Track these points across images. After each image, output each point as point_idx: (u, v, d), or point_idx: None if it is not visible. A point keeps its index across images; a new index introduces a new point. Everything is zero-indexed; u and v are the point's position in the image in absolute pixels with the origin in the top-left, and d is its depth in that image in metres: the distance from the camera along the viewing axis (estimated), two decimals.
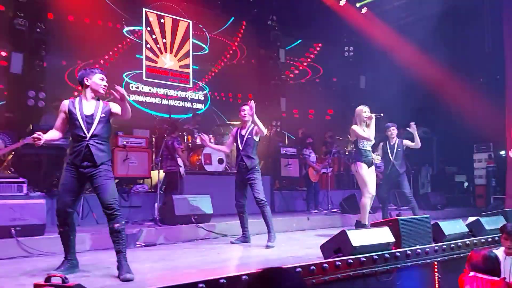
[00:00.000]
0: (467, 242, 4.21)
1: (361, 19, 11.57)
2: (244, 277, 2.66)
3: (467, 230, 4.55)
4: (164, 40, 10.72)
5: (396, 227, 3.77)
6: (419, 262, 3.69)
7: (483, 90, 10.91)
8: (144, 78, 10.29)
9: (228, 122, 9.52)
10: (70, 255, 3.54)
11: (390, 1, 11.23)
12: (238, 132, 5.28)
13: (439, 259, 3.84)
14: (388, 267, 3.44)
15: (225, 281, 2.56)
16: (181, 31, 11.02)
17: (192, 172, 7.80)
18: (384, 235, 3.66)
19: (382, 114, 5.77)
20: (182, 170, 7.05)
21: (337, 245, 3.47)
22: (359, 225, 5.66)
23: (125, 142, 6.82)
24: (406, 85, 10.95)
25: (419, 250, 3.71)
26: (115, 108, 3.58)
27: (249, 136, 5.15)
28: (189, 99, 10.98)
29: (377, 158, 6.39)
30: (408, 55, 10.71)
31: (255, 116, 5.01)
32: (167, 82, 10.64)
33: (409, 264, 3.60)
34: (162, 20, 10.73)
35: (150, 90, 10.32)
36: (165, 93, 10.31)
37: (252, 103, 5.00)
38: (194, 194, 6.28)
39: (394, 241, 3.66)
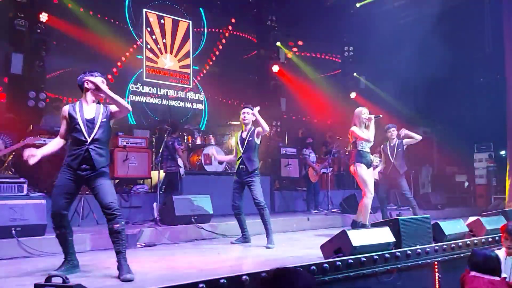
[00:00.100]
0: (468, 242, 4.21)
1: (361, 19, 11.58)
2: (244, 277, 2.66)
3: (467, 230, 4.55)
4: (164, 41, 10.73)
5: (396, 227, 3.77)
6: (420, 262, 3.69)
7: (484, 89, 10.93)
8: (144, 79, 10.29)
9: (228, 123, 9.52)
10: (70, 256, 3.53)
11: (390, 1, 11.24)
12: (239, 135, 5.29)
13: (439, 259, 3.84)
14: (388, 267, 3.44)
15: (225, 281, 2.56)
16: (181, 32, 11.03)
17: (192, 172, 7.80)
18: (384, 235, 3.66)
19: (381, 115, 5.79)
20: (182, 170, 7.05)
21: (337, 245, 3.47)
22: (356, 225, 5.66)
23: (125, 143, 6.82)
24: (407, 85, 10.96)
25: (419, 250, 3.71)
26: (113, 107, 3.57)
27: (250, 139, 5.15)
28: (189, 99, 10.99)
29: (375, 159, 6.41)
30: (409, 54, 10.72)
31: (257, 114, 5.02)
32: (167, 83, 10.66)
33: (409, 264, 3.60)
34: (162, 21, 10.74)
35: (150, 90, 10.32)
36: (165, 93, 10.32)
37: (256, 109, 5.05)
38: (194, 194, 6.29)
39: (395, 241, 3.66)
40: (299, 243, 5.35)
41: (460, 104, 10.71)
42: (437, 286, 3.77)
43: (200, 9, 11.32)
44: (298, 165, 9.24)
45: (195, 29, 11.23)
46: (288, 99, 11.98)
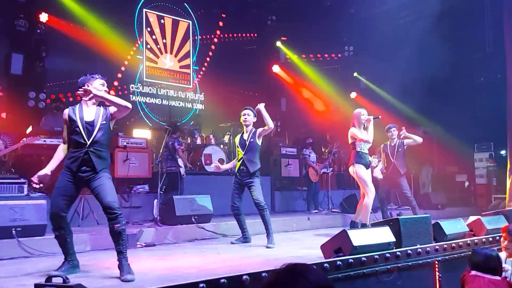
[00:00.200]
0: (468, 241, 4.20)
1: (361, 19, 11.59)
2: (245, 277, 2.65)
3: (468, 229, 4.54)
4: (164, 41, 10.73)
5: (396, 226, 3.76)
6: (420, 262, 3.68)
7: (484, 89, 10.92)
8: (145, 79, 10.30)
9: (229, 124, 9.52)
10: (70, 256, 3.53)
11: (390, 0, 11.24)
12: (240, 137, 5.28)
13: (439, 258, 3.83)
14: (388, 267, 3.43)
15: (225, 281, 2.56)
16: (181, 32, 11.04)
17: (193, 172, 7.80)
18: (384, 234, 3.65)
19: (380, 116, 5.83)
20: (182, 170, 7.05)
21: (337, 245, 3.46)
22: (354, 225, 5.67)
23: (125, 143, 6.83)
24: (407, 84, 10.96)
25: (419, 250, 3.70)
26: (113, 109, 3.56)
27: (251, 140, 5.14)
28: (190, 99, 10.99)
29: (374, 160, 6.43)
30: (409, 54, 10.72)
31: (263, 110, 5.01)
32: (167, 83, 10.66)
33: (409, 263, 3.59)
34: (162, 21, 10.74)
35: (150, 90, 10.33)
36: (165, 94, 10.32)
37: (262, 105, 5.05)
38: (194, 194, 6.29)
39: (395, 241, 3.65)
40: (299, 243, 5.35)
41: (460, 104, 10.71)
42: (437, 285, 3.77)
43: (186, 5, 11.22)
44: (299, 165, 9.24)
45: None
46: (288, 99, 11.98)
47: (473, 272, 2.73)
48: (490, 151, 10.89)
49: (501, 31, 9.30)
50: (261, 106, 5.09)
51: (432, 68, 10.35)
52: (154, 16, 10.61)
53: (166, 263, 4.09)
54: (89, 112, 3.52)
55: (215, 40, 11.66)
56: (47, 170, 3.52)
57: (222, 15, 11.72)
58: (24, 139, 5.82)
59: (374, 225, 4.18)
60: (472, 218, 4.92)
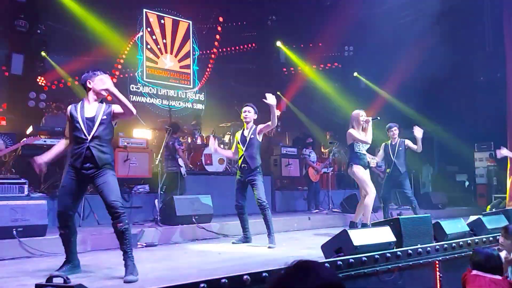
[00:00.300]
0: (469, 241, 4.21)
1: (361, 19, 11.57)
2: (245, 277, 2.66)
3: (468, 229, 4.55)
4: (164, 41, 10.73)
5: (397, 226, 3.76)
6: (421, 262, 3.69)
7: (484, 88, 10.91)
8: (145, 79, 10.30)
9: (229, 124, 9.53)
10: (72, 256, 3.53)
11: (390, 0, 11.24)
12: (241, 134, 5.28)
13: (440, 258, 3.84)
14: (389, 267, 3.44)
15: (226, 281, 2.56)
16: (182, 32, 11.04)
17: (193, 172, 7.80)
18: (385, 234, 3.65)
19: (379, 118, 5.85)
20: (183, 170, 7.05)
21: (338, 245, 3.46)
22: (354, 226, 5.67)
23: (126, 143, 6.83)
24: (407, 84, 10.95)
25: (420, 250, 3.71)
26: (117, 108, 3.53)
27: (252, 136, 5.14)
28: (190, 99, 10.99)
29: (372, 161, 6.44)
30: (409, 53, 10.72)
31: (274, 105, 4.94)
32: (167, 83, 10.66)
33: (410, 263, 3.60)
34: (162, 21, 10.75)
35: (150, 90, 10.33)
36: (165, 94, 10.32)
37: (271, 98, 4.92)
38: (194, 194, 6.28)
39: (395, 241, 3.66)
40: (300, 243, 5.35)
41: (460, 103, 10.70)
42: (438, 285, 3.77)
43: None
44: (299, 164, 9.24)
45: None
46: (288, 99, 11.97)
47: (474, 272, 2.74)
48: (490, 151, 10.87)
49: (501, 30, 9.31)
50: (272, 100, 4.92)
51: (432, 67, 10.33)
52: (154, 16, 10.61)
53: (166, 263, 4.09)
54: (90, 108, 3.51)
55: (221, 40, 11.68)
56: (43, 158, 3.53)
57: (230, 19, 11.74)
58: (25, 139, 5.82)
59: (375, 225, 4.19)
60: (472, 218, 4.93)
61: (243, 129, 5.28)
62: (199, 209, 5.91)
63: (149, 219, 6.32)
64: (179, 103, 10.77)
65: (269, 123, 5.04)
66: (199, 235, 5.66)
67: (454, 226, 4.39)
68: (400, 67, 10.71)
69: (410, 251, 3.63)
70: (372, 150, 6.78)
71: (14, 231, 4.40)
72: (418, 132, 6.54)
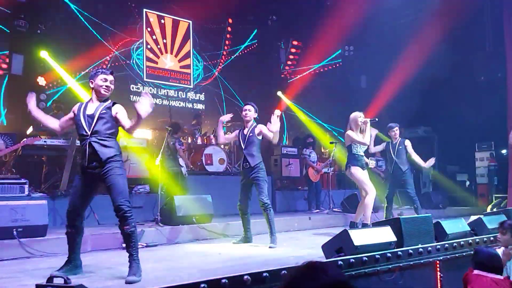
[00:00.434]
0: (469, 241, 4.20)
1: (361, 18, 11.57)
2: (246, 277, 2.65)
3: (469, 229, 4.54)
4: (164, 41, 10.73)
5: (398, 226, 3.76)
6: (421, 261, 3.68)
7: (484, 88, 10.90)
8: (145, 79, 10.30)
9: (229, 124, 9.52)
10: (74, 256, 3.52)
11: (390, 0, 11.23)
12: (241, 132, 5.27)
13: (441, 258, 3.83)
14: (390, 266, 3.43)
15: (227, 281, 2.56)
16: (182, 32, 11.03)
17: (194, 172, 7.80)
18: (386, 234, 3.65)
19: (377, 119, 5.89)
20: (184, 170, 7.05)
21: (338, 245, 3.46)
22: (354, 226, 5.67)
23: (126, 143, 6.82)
24: (407, 84, 10.94)
25: (421, 249, 3.70)
26: (122, 117, 3.47)
27: (251, 135, 5.14)
28: (190, 99, 10.99)
29: (371, 162, 6.47)
30: (410, 53, 10.71)
31: (277, 121, 4.97)
32: (167, 83, 10.66)
33: (411, 263, 3.59)
34: (162, 21, 10.74)
35: (150, 90, 10.33)
36: (166, 94, 10.32)
37: (276, 116, 4.97)
38: (195, 194, 6.27)
39: (396, 240, 3.65)
40: (301, 243, 5.34)
41: (460, 103, 10.69)
42: (439, 285, 3.76)
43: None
44: (299, 164, 9.23)
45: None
46: (288, 99, 11.96)
47: (476, 271, 2.73)
48: (491, 150, 10.86)
49: (501, 30, 9.30)
50: (276, 126, 4.97)
51: (432, 67, 10.32)
52: (154, 16, 10.61)
53: (167, 263, 4.09)
54: (92, 106, 3.53)
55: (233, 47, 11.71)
56: (32, 106, 3.62)
57: (229, 19, 11.74)
58: (25, 139, 5.82)
59: (375, 224, 4.18)
60: (473, 218, 4.92)
61: (243, 128, 5.27)
62: (200, 209, 5.91)
63: (149, 219, 6.31)
64: (179, 103, 10.76)
65: (271, 137, 5.01)
66: (200, 235, 5.66)
67: (455, 226, 4.38)
68: (401, 67, 10.70)
69: (410, 251, 3.62)
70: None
71: (14, 231, 4.39)
72: (429, 162, 6.79)
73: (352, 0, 11.50)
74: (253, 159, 5.08)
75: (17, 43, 8.01)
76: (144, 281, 3.20)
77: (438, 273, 3.78)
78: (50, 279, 2.39)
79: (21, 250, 4.35)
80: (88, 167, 3.42)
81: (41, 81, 8.15)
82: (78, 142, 5.40)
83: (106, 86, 3.52)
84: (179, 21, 11.00)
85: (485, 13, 10.90)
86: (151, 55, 10.48)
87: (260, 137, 5.19)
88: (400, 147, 6.79)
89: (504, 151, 10.34)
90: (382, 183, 8.80)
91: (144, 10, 10.43)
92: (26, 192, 5.44)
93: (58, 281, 2.36)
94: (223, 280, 2.55)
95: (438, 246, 3.88)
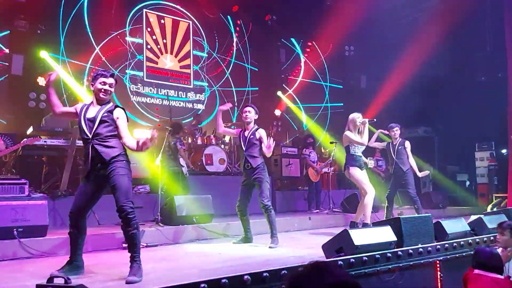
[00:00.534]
0: (470, 241, 4.20)
1: (362, 18, 11.57)
2: (246, 277, 2.65)
3: (469, 228, 4.54)
4: (164, 41, 10.73)
5: (398, 226, 3.76)
6: (421, 261, 3.68)
7: (485, 88, 10.90)
8: (145, 79, 10.30)
9: (229, 124, 9.51)
10: (76, 257, 3.52)
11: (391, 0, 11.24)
12: (241, 133, 5.26)
13: (441, 258, 3.83)
14: (390, 266, 3.43)
15: (227, 281, 2.56)
16: (182, 32, 11.03)
17: (194, 172, 7.80)
18: (386, 234, 3.65)
19: (375, 120, 5.91)
20: (185, 170, 7.05)
21: (339, 245, 3.46)
22: (354, 226, 5.67)
23: None
24: (407, 84, 10.95)
25: (421, 249, 3.70)
26: (118, 116, 3.46)
27: (251, 137, 5.13)
28: (190, 99, 10.99)
29: (370, 162, 6.48)
30: (410, 53, 10.71)
31: (271, 151, 4.98)
32: (167, 83, 10.65)
33: (411, 263, 3.59)
34: (162, 21, 10.74)
35: (150, 91, 10.32)
36: (166, 94, 10.31)
37: (271, 141, 4.97)
38: (195, 194, 6.27)
39: (396, 240, 3.65)
40: (301, 243, 5.34)
41: (461, 103, 10.69)
42: (439, 285, 3.76)
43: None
44: (299, 164, 9.23)
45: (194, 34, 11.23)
46: (288, 99, 11.96)
47: (476, 271, 2.73)
48: (491, 150, 10.87)
49: (502, 30, 9.29)
50: (272, 143, 5.01)
51: (432, 67, 10.33)
52: (154, 16, 10.61)
53: (167, 263, 4.09)
54: (92, 110, 3.51)
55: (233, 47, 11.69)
56: (53, 77, 3.44)
57: (243, 22, 11.73)
58: (25, 139, 5.82)
59: (376, 224, 4.18)
60: (473, 217, 4.92)
61: (244, 130, 5.26)
62: (200, 209, 5.91)
63: (149, 219, 6.31)
64: (179, 103, 10.76)
65: (265, 152, 4.99)
66: (200, 235, 5.65)
67: (455, 225, 4.38)
68: (401, 67, 10.70)
69: (411, 251, 3.62)
70: (371, 152, 6.81)
71: (15, 231, 4.39)
72: (424, 173, 7.09)
73: (352, 0, 11.51)
74: (255, 160, 5.08)
75: (17, 43, 8.00)
76: (144, 281, 3.20)
77: (438, 273, 3.78)
78: (50, 279, 2.39)
79: (21, 250, 4.34)
80: (93, 169, 3.43)
81: (41, 81, 8.15)
82: (78, 142, 5.44)
83: (104, 90, 3.49)
84: (179, 21, 11.00)
85: (486, 13, 10.90)
86: (151, 55, 10.48)
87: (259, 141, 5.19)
88: (400, 147, 6.82)
89: (504, 151, 10.33)
90: (382, 183, 8.81)
91: (144, 10, 10.43)
92: (26, 192, 5.43)
93: (58, 281, 2.36)
94: (223, 280, 2.55)
95: (438, 246, 3.88)
